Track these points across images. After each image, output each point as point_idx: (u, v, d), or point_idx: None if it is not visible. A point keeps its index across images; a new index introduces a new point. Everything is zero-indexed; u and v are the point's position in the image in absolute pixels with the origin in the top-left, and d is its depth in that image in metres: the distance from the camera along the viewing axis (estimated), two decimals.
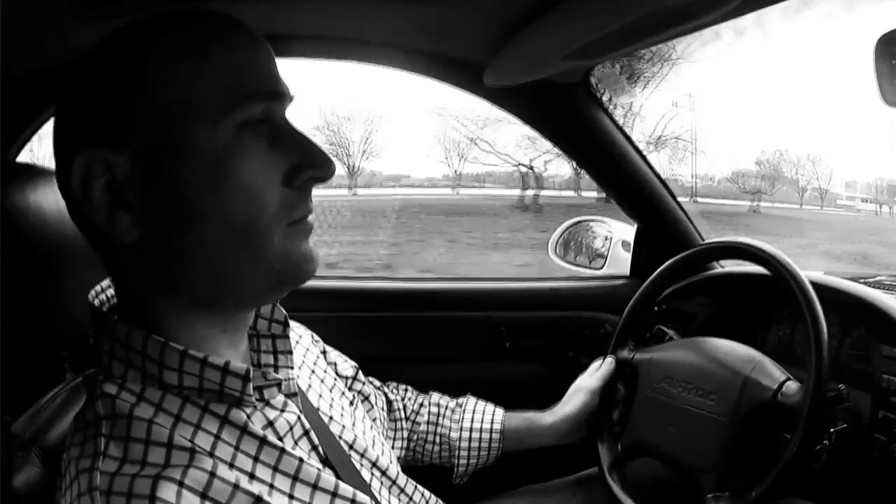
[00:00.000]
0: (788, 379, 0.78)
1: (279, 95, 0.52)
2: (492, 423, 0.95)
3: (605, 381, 0.99)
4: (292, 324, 0.73)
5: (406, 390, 0.97)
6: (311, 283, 1.26)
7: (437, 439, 0.94)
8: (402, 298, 1.30)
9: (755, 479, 0.77)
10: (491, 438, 0.94)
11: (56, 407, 0.68)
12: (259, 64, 0.51)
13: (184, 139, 0.47)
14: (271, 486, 0.51)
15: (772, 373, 0.80)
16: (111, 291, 0.59)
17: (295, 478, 0.52)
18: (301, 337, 0.77)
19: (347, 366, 0.85)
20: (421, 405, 0.95)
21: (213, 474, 0.46)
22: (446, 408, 0.96)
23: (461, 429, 0.94)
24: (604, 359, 1.03)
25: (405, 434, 0.93)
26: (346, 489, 0.54)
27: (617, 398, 1.02)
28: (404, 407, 0.94)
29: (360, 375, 0.86)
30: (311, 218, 0.54)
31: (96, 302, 0.57)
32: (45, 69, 0.85)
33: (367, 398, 0.85)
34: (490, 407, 0.97)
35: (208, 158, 0.48)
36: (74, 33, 0.65)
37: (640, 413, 0.95)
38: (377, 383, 0.94)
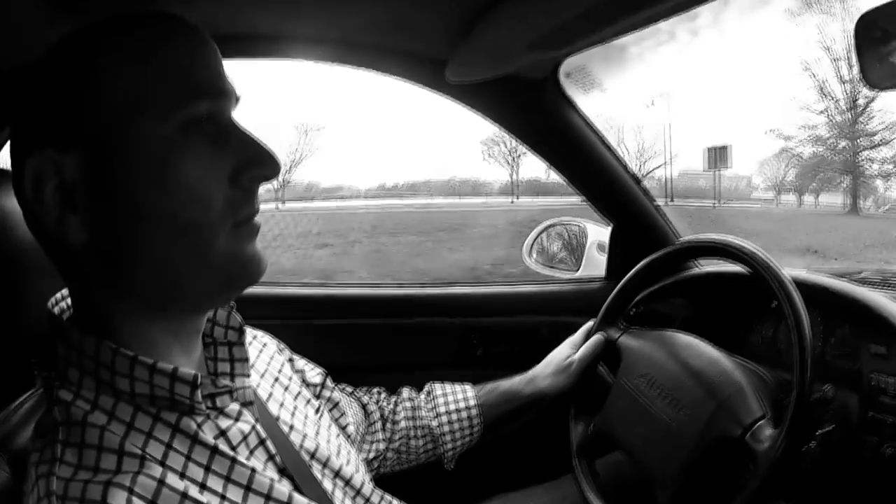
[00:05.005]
0: (763, 418, 0.74)
1: (224, 93, 0.52)
2: (466, 400, 0.96)
3: (588, 360, 0.99)
4: (258, 332, 0.77)
5: (379, 393, 0.97)
6: (277, 290, 1.26)
7: (420, 432, 0.93)
8: (370, 305, 1.27)
9: None
10: (470, 416, 0.95)
11: (24, 412, 0.69)
12: (204, 62, 0.51)
13: (128, 138, 0.48)
14: (223, 496, 0.50)
15: (749, 405, 0.76)
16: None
17: (247, 488, 0.52)
18: (266, 345, 0.76)
19: (315, 373, 0.84)
20: (396, 404, 0.95)
21: (161, 482, 0.46)
22: (418, 400, 0.96)
23: (438, 415, 0.94)
24: (591, 330, 1.03)
25: (387, 435, 0.92)
26: (300, 500, 0.54)
27: (597, 376, 1.01)
28: (381, 409, 0.94)
29: (329, 382, 0.85)
30: (257, 219, 0.54)
31: (56, 310, 0.57)
32: (15, 71, 0.80)
33: (336, 405, 0.83)
34: (458, 386, 0.98)
35: (153, 157, 0.48)
36: (45, 35, 0.62)
37: (614, 401, 0.93)
38: (349, 389, 0.93)
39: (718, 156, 22.38)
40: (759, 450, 0.71)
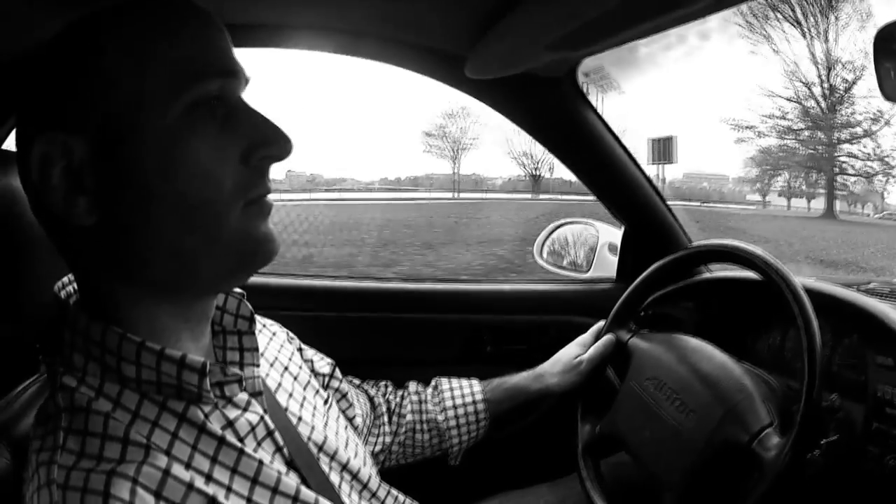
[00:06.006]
0: (771, 425, 0.74)
1: (233, 73, 0.52)
2: (473, 395, 0.95)
3: (597, 360, 0.99)
4: (267, 321, 0.77)
5: (386, 386, 0.97)
6: (289, 281, 1.27)
7: (426, 426, 0.93)
8: (381, 299, 1.27)
9: None
10: (476, 411, 0.94)
11: (27, 399, 0.68)
12: (212, 43, 0.51)
13: (138, 120, 0.48)
14: (229, 488, 0.50)
15: (757, 413, 0.75)
16: None
17: (254, 480, 0.52)
18: (275, 334, 0.76)
19: (324, 363, 0.84)
20: (402, 397, 0.95)
21: (167, 472, 0.46)
22: (425, 394, 0.96)
23: (444, 409, 0.94)
24: (602, 330, 1.02)
25: (393, 428, 0.92)
26: (307, 494, 0.54)
27: (605, 377, 1.01)
28: (388, 402, 0.94)
29: (338, 373, 0.85)
30: (269, 198, 0.54)
31: (63, 293, 0.57)
32: (19, 58, 0.81)
33: (344, 396, 0.84)
34: (465, 381, 0.97)
35: (162, 139, 0.48)
36: (51, 22, 0.63)
37: (622, 403, 0.93)
38: (357, 381, 0.94)
39: (662, 148, 20.01)
40: (766, 457, 0.71)
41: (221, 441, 0.51)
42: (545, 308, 1.31)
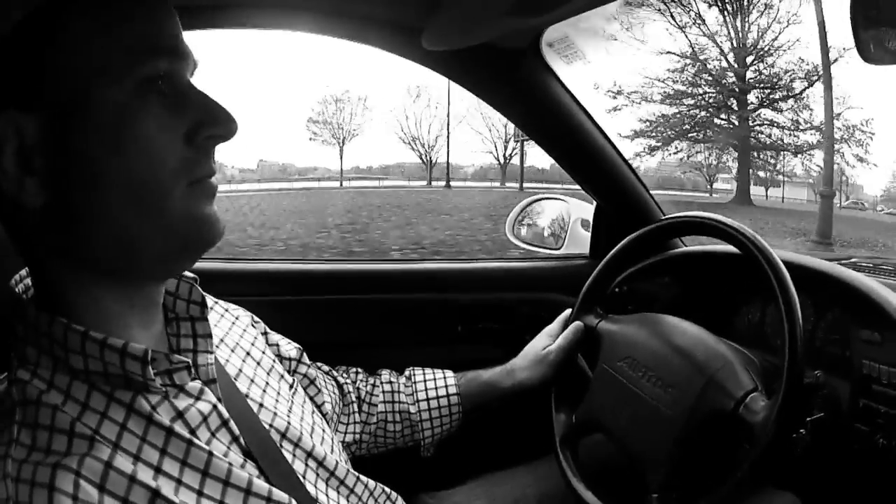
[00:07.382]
0: (755, 390, 0.72)
1: (181, 54, 0.52)
2: (446, 387, 0.95)
3: (567, 348, 0.96)
4: (229, 306, 0.76)
5: (357, 373, 0.95)
6: (252, 265, 1.21)
7: (398, 417, 0.92)
8: (347, 280, 1.23)
9: (705, 488, 0.70)
10: (450, 404, 0.94)
11: None
12: (162, 25, 0.52)
13: (87, 99, 0.48)
14: (179, 481, 0.50)
15: (739, 379, 0.73)
16: None
17: (205, 473, 0.51)
18: (238, 318, 0.75)
19: (291, 347, 0.83)
20: (374, 385, 0.94)
21: (109, 464, 0.46)
22: (398, 384, 0.95)
23: (417, 401, 0.93)
24: (569, 318, 1.00)
25: (363, 417, 0.91)
26: (260, 486, 0.53)
27: (577, 366, 0.98)
28: (358, 390, 0.92)
29: (305, 358, 0.85)
30: (214, 179, 0.54)
31: (20, 287, 0.57)
32: None
33: (312, 382, 0.83)
34: (439, 373, 0.97)
35: (110, 115, 0.48)
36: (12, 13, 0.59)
37: (596, 388, 0.90)
38: (325, 368, 0.92)
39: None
40: (755, 421, 0.68)
41: (170, 432, 0.50)
42: (518, 285, 1.29)
